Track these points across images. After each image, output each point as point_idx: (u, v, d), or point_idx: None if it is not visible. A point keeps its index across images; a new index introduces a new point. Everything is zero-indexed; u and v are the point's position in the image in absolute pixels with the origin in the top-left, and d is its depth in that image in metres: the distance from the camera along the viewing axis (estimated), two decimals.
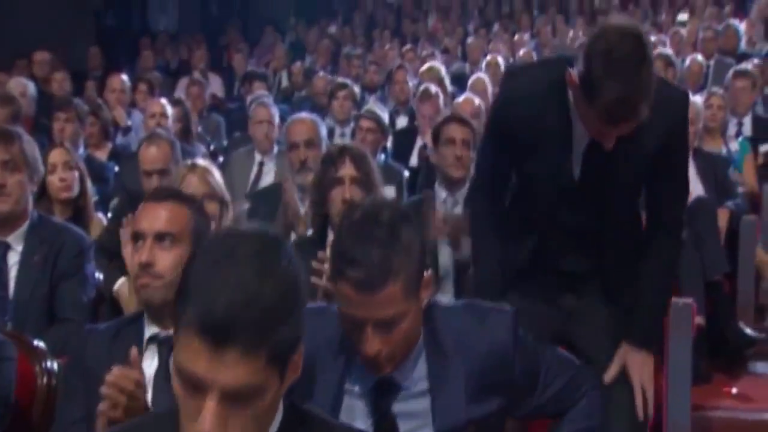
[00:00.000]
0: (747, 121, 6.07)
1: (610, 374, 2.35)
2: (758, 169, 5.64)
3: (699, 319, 4.29)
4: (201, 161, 3.22)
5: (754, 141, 5.79)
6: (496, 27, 12.03)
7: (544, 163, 2.35)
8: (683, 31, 9.97)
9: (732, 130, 6.00)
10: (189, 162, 3.20)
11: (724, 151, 5.64)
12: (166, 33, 12.57)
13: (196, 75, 8.77)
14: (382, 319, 1.66)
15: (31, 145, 3.02)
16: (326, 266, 2.43)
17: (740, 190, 5.17)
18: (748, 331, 4.54)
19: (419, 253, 1.71)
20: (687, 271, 4.34)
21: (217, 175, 3.10)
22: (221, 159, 5.63)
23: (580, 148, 2.31)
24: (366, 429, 1.75)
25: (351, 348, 1.77)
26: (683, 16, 12.01)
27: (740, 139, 5.79)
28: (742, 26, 9.18)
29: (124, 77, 7.02)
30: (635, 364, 2.39)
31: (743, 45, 8.86)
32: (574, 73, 2.10)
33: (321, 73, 8.46)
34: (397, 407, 1.79)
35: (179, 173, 3.12)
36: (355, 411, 1.80)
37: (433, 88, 5.81)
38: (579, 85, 2.10)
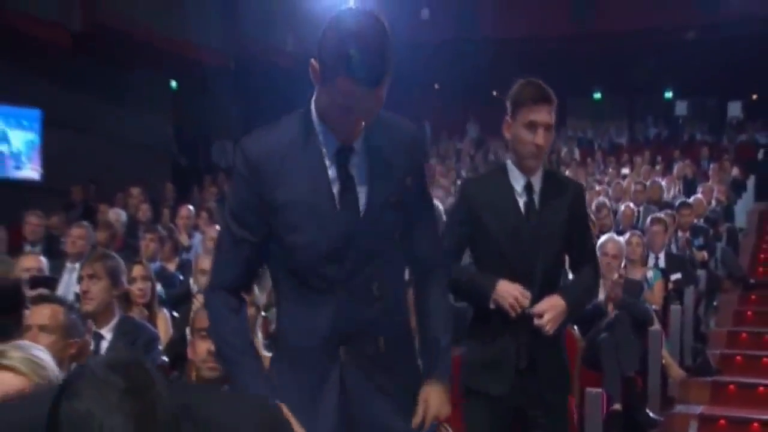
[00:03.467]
0: (662, 256, 6.31)
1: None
2: (668, 293, 5.91)
3: (617, 406, 4.55)
4: None
5: (666, 272, 6.04)
6: (481, 170, 12.34)
7: (498, 221, 2.54)
8: (624, 183, 10.33)
9: (651, 262, 6.21)
10: None
11: (642, 277, 5.92)
12: (225, 170, 12.73)
13: None
14: (373, 108, 1.64)
15: (114, 262, 3.36)
16: None
17: (654, 307, 5.40)
18: (653, 415, 4.75)
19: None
20: (608, 369, 4.57)
21: (254, 288, 3.34)
22: (261, 271, 5.95)
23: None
24: (334, 188, 1.72)
25: (315, 134, 1.71)
26: (625, 170, 12.45)
27: (655, 269, 6.00)
28: (664, 182, 9.56)
29: (191, 207, 7.47)
30: (553, 303, 2.50)
31: (666, 196, 9.12)
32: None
33: None
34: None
35: None
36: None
37: None
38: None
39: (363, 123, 1.66)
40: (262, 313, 3.49)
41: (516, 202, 2.57)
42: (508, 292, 2.50)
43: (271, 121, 1.79)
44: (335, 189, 1.71)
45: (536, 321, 2.49)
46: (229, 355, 1.76)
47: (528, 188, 2.58)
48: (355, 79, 1.56)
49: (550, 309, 2.49)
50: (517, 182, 2.58)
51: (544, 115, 2.49)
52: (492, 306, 2.52)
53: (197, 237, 6.94)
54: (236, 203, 1.74)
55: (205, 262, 4.41)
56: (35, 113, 9.57)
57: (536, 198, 2.58)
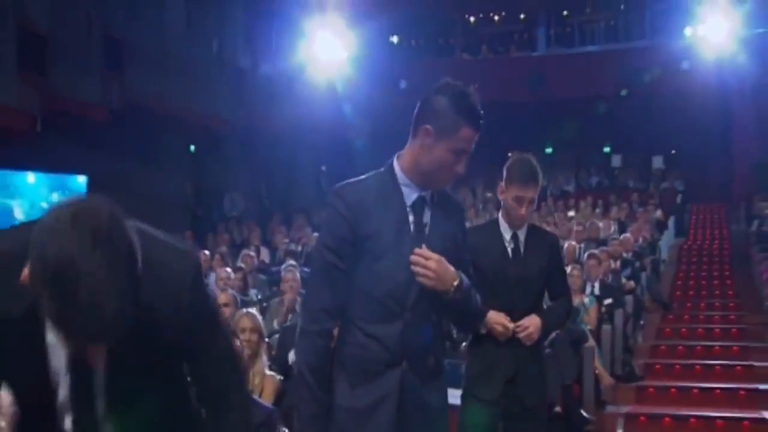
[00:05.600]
0: (597, 285, 6.52)
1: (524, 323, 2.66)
2: (601, 315, 6.16)
3: (558, 409, 4.79)
4: (251, 310, 3.71)
5: (600, 297, 6.28)
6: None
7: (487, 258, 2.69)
8: (569, 224, 10.51)
9: (588, 290, 6.41)
10: (244, 310, 3.68)
11: (580, 303, 6.11)
12: (234, 219, 12.84)
13: (251, 249, 9.20)
14: (471, 149, 1.85)
15: None
16: None
17: (588, 328, 5.64)
18: (586, 415, 4.98)
19: None
20: (551, 379, 4.73)
21: (259, 318, 3.54)
22: (265, 304, 6.12)
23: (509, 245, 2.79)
24: (410, 230, 1.85)
25: (398, 185, 1.87)
26: (572, 213, 12.65)
27: (591, 296, 6.27)
28: (602, 223, 9.78)
29: (206, 252, 7.63)
30: (532, 320, 2.72)
31: (604, 235, 9.26)
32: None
33: None
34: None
35: (238, 316, 3.55)
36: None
37: None
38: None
39: (459, 171, 1.84)
40: (266, 339, 3.69)
41: (505, 248, 2.79)
42: (496, 321, 2.68)
43: (273, 176, 1.99)
44: (411, 230, 1.86)
45: (519, 334, 2.70)
46: (305, 395, 1.83)
47: (514, 238, 2.80)
48: (474, 128, 1.81)
49: (530, 324, 2.72)
50: (506, 232, 2.81)
51: (530, 192, 2.71)
52: (483, 331, 2.73)
53: (211, 277, 7.02)
54: (331, 237, 1.85)
55: (221, 298, 4.63)
56: (82, 179, 9.81)
57: (521, 246, 2.79)
